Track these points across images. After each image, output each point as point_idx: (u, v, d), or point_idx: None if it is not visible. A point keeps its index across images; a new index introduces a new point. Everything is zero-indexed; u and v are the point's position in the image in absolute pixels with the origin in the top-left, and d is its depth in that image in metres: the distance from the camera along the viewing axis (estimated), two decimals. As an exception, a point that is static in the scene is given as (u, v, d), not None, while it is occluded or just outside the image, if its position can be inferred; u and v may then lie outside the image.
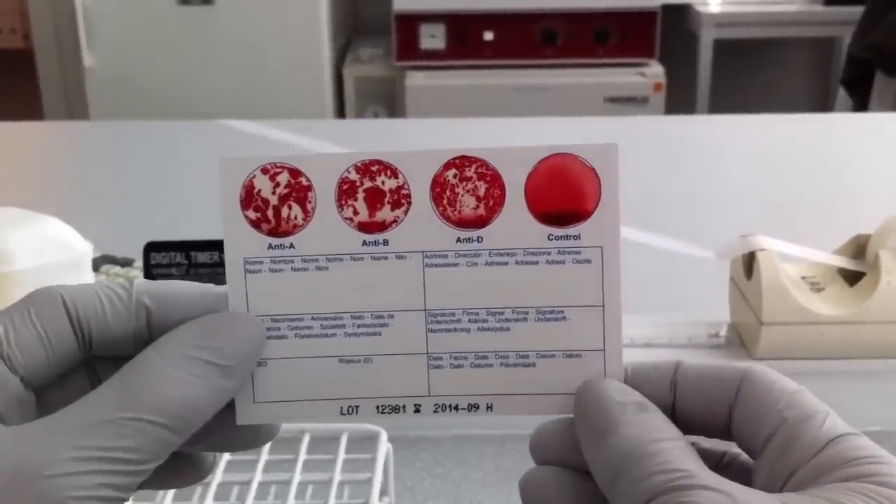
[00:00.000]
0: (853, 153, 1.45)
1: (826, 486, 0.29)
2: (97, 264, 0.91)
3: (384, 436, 0.58)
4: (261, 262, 0.35)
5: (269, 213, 0.35)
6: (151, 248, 0.74)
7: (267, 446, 0.58)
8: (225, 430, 0.34)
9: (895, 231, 0.75)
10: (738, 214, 1.18)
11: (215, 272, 0.74)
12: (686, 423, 0.33)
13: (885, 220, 0.77)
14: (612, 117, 2.42)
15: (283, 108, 2.65)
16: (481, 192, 0.34)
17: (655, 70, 2.84)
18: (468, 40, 2.86)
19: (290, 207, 0.35)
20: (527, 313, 0.34)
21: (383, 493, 0.58)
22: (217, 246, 0.74)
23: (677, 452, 0.30)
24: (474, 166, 0.34)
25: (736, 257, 0.78)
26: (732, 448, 0.34)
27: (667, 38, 2.93)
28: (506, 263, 0.34)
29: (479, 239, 0.34)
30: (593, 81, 2.83)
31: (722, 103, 3.03)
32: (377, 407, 0.35)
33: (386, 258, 0.35)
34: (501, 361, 0.35)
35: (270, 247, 0.35)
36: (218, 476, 0.56)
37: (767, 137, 1.50)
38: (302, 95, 2.75)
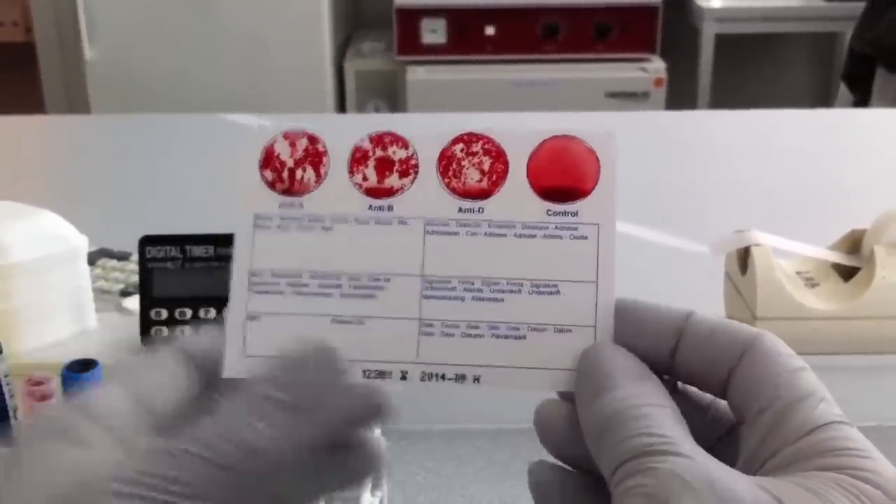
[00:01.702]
0: (853, 149, 1.45)
1: (806, 474, 0.29)
2: (94, 258, 0.92)
3: (377, 429, 0.58)
4: (270, 219, 0.36)
5: (285, 174, 0.36)
6: (147, 241, 0.75)
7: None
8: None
9: (890, 226, 0.75)
10: (736, 209, 1.18)
11: (210, 266, 0.74)
12: (683, 372, 0.33)
13: (881, 215, 0.77)
14: (612, 112, 2.42)
15: (284, 102, 2.65)
16: (486, 166, 0.36)
17: (656, 65, 2.84)
18: (469, 35, 2.86)
19: (304, 170, 0.36)
20: (521, 285, 0.35)
21: (375, 487, 0.58)
22: (212, 240, 0.74)
23: (664, 419, 0.30)
24: (481, 142, 0.36)
25: (731, 252, 0.78)
26: None
27: (668, 33, 2.93)
28: (504, 235, 0.35)
29: (481, 210, 0.35)
30: (594, 76, 2.82)
31: (723, 99, 3.02)
32: (363, 371, 0.35)
33: (389, 223, 0.36)
34: (493, 332, 0.35)
35: (281, 205, 0.36)
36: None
37: (767, 133, 1.49)
38: (303, 89, 2.75)
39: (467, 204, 0.35)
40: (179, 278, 0.74)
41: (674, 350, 0.33)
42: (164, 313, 0.74)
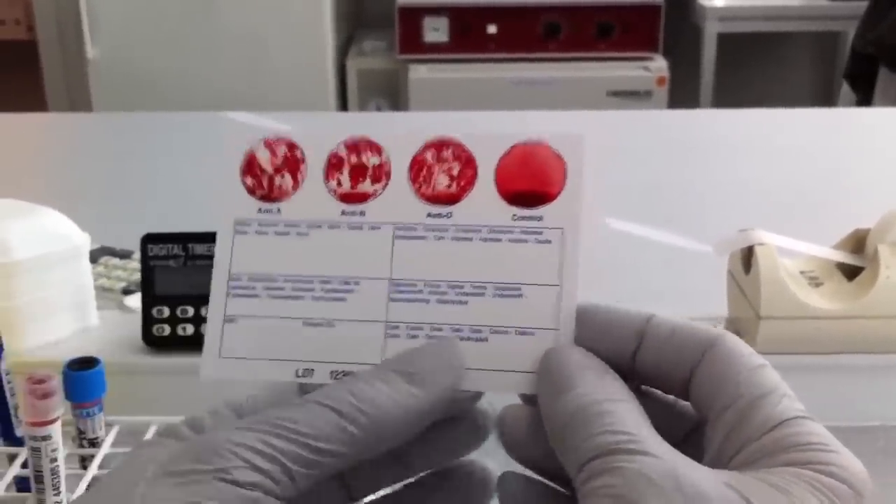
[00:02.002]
0: (855, 148, 1.44)
1: (772, 469, 0.29)
2: (96, 256, 0.92)
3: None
4: (249, 224, 0.37)
5: (264, 180, 0.38)
6: (149, 239, 0.74)
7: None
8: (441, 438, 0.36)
9: (895, 225, 0.75)
10: (738, 208, 1.17)
11: (212, 264, 0.74)
12: (644, 373, 0.33)
13: (885, 214, 0.77)
14: (614, 111, 2.41)
15: (286, 101, 2.65)
16: (455, 171, 0.36)
17: (659, 64, 2.84)
18: (471, 34, 2.85)
19: (282, 177, 0.37)
20: (485, 288, 0.35)
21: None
22: (214, 238, 0.74)
23: (628, 416, 0.30)
24: (451, 148, 0.37)
25: (734, 251, 0.78)
26: None
27: (670, 32, 2.92)
28: (470, 239, 0.36)
29: (449, 215, 0.36)
30: (596, 75, 2.82)
31: (725, 98, 3.02)
32: (331, 372, 0.36)
33: (361, 228, 0.37)
34: (456, 335, 0.35)
35: (260, 210, 0.37)
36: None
37: (770, 132, 1.49)
38: (305, 88, 2.75)
39: (436, 209, 0.36)
40: (181, 276, 0.74)
41: (635, 353, 0.33)
42: (166, 311, 0.74)
